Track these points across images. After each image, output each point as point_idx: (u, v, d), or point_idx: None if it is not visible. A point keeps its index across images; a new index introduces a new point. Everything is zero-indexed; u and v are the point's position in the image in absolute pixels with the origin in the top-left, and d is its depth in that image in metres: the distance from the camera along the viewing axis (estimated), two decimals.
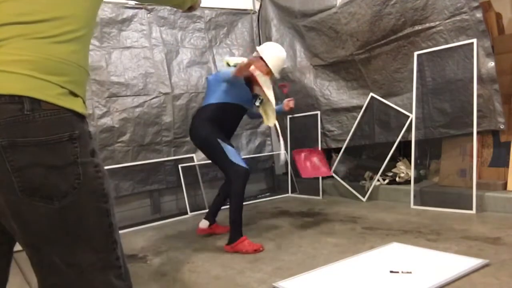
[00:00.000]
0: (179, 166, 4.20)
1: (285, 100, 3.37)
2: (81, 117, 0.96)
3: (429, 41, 3.47)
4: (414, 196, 3.55)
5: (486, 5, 3.52)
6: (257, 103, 3.12)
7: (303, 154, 3.64)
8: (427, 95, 3.59)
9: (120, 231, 1.16)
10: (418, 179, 3.81)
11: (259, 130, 4.83)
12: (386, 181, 3.99)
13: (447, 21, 3.31)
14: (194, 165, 4.30)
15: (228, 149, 2.84)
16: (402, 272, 2.06)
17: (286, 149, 4.80)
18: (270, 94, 2.92)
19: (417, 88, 3.60)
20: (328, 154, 4.59)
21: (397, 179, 3.92)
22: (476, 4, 3.15)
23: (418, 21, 3.45)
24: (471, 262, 2.08)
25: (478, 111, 3.22)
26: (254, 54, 3.11)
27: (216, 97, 2.97)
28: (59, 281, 0.94)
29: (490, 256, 2.18)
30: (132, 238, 3.34)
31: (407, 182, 3.76)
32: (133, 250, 3.02)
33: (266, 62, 2.97)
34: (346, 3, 3.83)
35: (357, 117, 4.14)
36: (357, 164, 4.34)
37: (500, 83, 3.20)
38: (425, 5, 3.36)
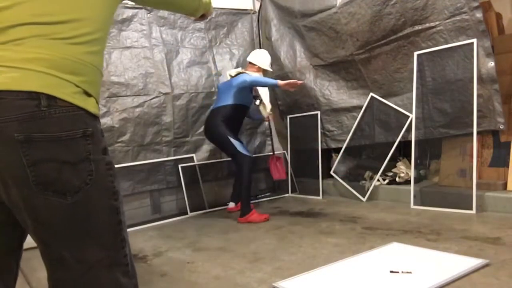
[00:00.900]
0: (179, 166, 4.20)
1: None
2: (94, 116, 0.99)
3: (429, 41, 3.47)
4: (414, 196, 3.55)
5: (486, 5, 3.52)
6: (257, 103, 4.05)
7: (274, 160, 4.35)
8: (427, 95, 3.59)
9: None
10: (418, 179, 3.81)
11: (259, 130, 4.83)
12: (386, 181, 3.99)
13: (447, 21, 3.31)
14: (194, 165, 4.30)
15: (236, 143, 3.67)
16: (402, 272, 2.06)
17: (286, 149, 4.80)
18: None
19: (417, 88, 3.60)
20: (328, 154, 4.60)
21: (397, 179, 3.92)
22: (476, 4, 3.15)
23: (418, 21, 3.45)
24: (471, 262, 2.08)
25: (478, 111, 3.22)
26: (249, 57, 4.04)
27: (227, 100, 3.76)
28: (67, 275, 0.95)
29: (490, 256, 2.18)
30: (132, 238, 3.33)
31: (407, 182, 3.76)
32: (133, 250, 3.01)
33: (255, 63, 3.94)
34: (346, 3, 3.83)
35: (357, 117, 4.14)
36: (357, 164, 4.34)
37: (500, 83, 3.20)
38: (425, 5, 3.36)
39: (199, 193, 4.28)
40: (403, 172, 3.91)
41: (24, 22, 0.92)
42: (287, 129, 4.81)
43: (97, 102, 1.03)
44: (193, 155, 4.33)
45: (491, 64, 3.18)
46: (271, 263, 2.45)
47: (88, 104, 0.97)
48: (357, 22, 3.80)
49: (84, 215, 0.94)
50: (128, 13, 4.05)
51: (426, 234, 2.72)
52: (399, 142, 3.83)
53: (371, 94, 4.01)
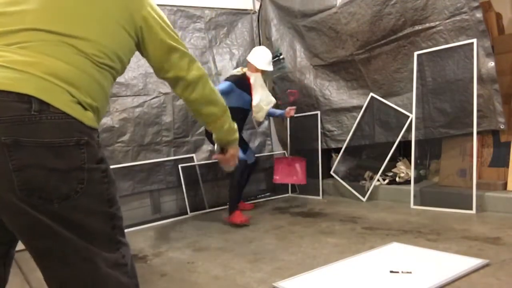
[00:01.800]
0: (179, 166, 4.20)
1: (288, 108, 3.98)
2: (91, 127, 0.96)
3: (429, 41, 3.47)
4: (414, 196, 3.55)
5: (486, 5, 3.52)
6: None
7: (284, 161, 4.25)
8: (427, 95, 3.58)
9: None
10: (418, 179, 3.81)
11: (259, 130, 4.83)
12: (386, 181, 3.99)
13: (447, 21, 3.31)
14: (194, 165, 4.30)
15: None
16: (402, 272, 2.06)
17: (286, 149, 4.80)
18: (261, 93, 3.71)
19: (417, 88, 3.60)
20: (328, 154, 4.60)
21: (397, 179, 3.92)
22: (476, 4, 3.14)
23: (418, 21, 3.45)
24: (471, 262, 2.08)
25: (478, 111, 3.22)
26: (248, 56, 3.83)
27: (226, 102, 3.44)
28: (58, 275, 0.94)
29: (490, 256, 2.18)
30: (132, 238, 3.34)
31: (407, 182, 3.76)
32: (133, 250, 3.01)
33: (252, 63, 3.72)
34: (346, 3, 3.83)
35: (357, 117, 4.14)
36: (357, 164, 4.34)
37: (500, 83, 3.20)
38: (425, 5, 3.36)
39: (199, 193, 4.28)
40: (403, 172, 3.91)
41: (34, 27, 0.92)
42: (287, 129, 4.81)
43: (97, 117, 1.01)
44: (193, 155, 4.33)
45: (491, 64, 3.18)
46: (271, 263, 2.45)
47: (84, 116, 0.94)
48: (357, 22, 3.79)
49: (75, 221, 0.91)
50: None
51: (426, 234, 2.72)
52: (399, 142, 3.82)
53: (371, 94, 4.01)
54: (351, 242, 2.70)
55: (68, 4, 0.99)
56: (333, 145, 4.44)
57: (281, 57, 4.62)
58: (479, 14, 3.15)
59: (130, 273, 1.01)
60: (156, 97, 4.12)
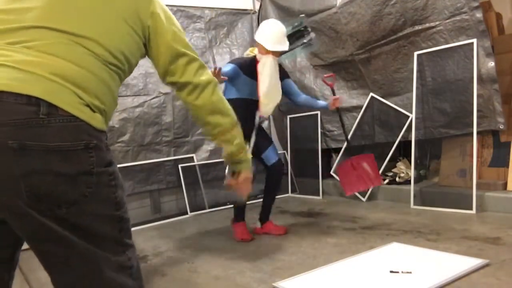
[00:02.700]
0: (179, 166, 4.20)
1: (331, 98, 3.18)
2: (99, 130, 0.94)
3: (429, 41, 3.47)
4: (414, 196, 3.55)
5: (486, 5, 3.52)
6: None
7: (347, 166, 3.52)
8: (427, 95, 3.59)
9: None
10: (418, 179, 3.81)
11: None
12: (386, 181, 3.98)
13: (447, 21, 3.31)
14: (194, 165, 4.30)
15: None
16: (402, 272, 2.06)
17: (286, 149, 4.80)
18: (267, 80, 2.81)
19: (417, 88, 3.60)
20: (328, 154, 4.60)
21: (397, 179, 3.92)
22: (476, 4, 3.14)
23: (418, 21, 3.45)
24: (471, 262, 2.08)
25: (478, 111, 3.22)
26: (256, 36, 2.95)
27: (231, 92, 2.89)
28: (65, 279, 0.93)
29: (490, 256, 2.18)
30: (132, 238, 3.33)
31: (407, 182, 3.76)
32: None
33: (259, 42, 2.85)
34: (346, 3, 3.83)
35: (357, 117, 4.14)
36: None
37: (500, 83, 3.20)
38: (425, 5, 3.36)
39: (199, 193, 4.28)
40: (403, 172, 3.91)
41: (39, 25, 0.90)
42: (287, 129, 4.81)
43: (105, 119, 0.99)
44: (193, 155, 4.33)
45: (491, 64, 3.18)
46: (271, 263, 2.45)
47: (92, 118, 0.92)
48: (357, 22, 3.80)
49: (82, 225, 0.90)
50: None
51: (426, 234, 2.72)
52: (399, 142, 3.83)
53: (371, 94, 4.01)
54: (351, 242, 2.70)
55: (75, 2, 0.97)
56: (333, 145, 4.45)
57: (307, 30, 3.60)
58: (479, 14, 3.15)
59: (135, 275, 1.00)
60: (156, 97, 4.12)
